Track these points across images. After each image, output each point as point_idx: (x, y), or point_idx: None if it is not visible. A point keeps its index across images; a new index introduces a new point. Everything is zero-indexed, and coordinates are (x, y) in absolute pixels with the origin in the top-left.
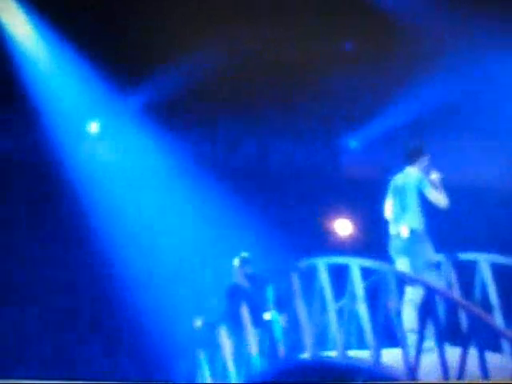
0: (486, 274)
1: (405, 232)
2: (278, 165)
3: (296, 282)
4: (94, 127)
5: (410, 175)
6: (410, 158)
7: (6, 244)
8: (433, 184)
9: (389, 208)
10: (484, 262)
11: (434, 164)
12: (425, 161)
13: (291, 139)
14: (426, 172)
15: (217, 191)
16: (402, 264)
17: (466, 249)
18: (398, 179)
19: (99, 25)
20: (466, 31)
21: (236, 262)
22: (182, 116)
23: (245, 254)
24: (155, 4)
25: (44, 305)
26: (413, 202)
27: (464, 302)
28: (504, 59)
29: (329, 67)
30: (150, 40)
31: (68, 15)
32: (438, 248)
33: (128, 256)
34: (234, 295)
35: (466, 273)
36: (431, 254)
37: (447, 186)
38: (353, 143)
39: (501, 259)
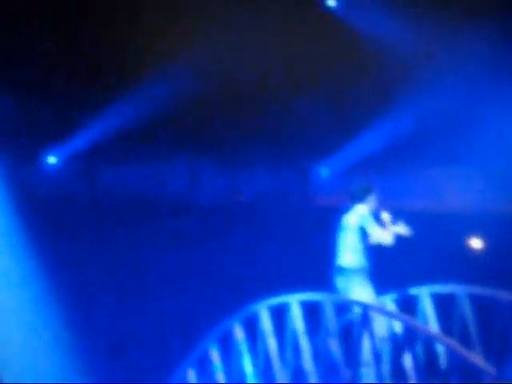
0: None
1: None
2: (248, 197)
3: (267, 320)
4: None
5: (355, 213)
6: (358, 197)
7: None
8: (380, 222)
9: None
10: (463, 296)
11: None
12: (373, 199)
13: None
14: (377, 210)
15: (181, 231)
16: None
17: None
18: (347, 217)
19: None
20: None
21: None
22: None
23: None
24: None
25: None
26: (353, 240)
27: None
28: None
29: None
30: None
31: None
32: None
33: None
34: None
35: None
36: (365, 295)
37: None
38: (325, 172)
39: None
